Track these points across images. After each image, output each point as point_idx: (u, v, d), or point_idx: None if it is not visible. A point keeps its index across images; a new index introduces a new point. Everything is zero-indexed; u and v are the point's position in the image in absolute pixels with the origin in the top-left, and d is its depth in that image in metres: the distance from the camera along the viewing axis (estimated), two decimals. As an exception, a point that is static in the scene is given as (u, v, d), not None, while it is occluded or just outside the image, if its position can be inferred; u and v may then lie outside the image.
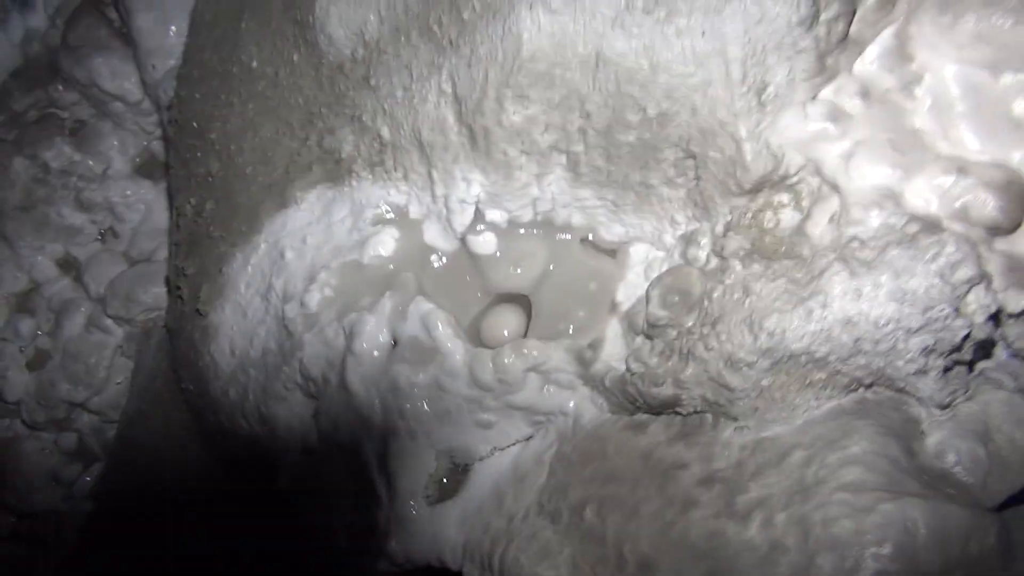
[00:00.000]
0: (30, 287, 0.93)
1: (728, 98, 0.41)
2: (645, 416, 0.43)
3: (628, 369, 0.42)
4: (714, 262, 0.45)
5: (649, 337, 0.45)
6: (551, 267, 0.53)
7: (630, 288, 0.51)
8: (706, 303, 0.41)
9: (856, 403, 0.37)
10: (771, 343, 0.37)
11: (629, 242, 0.52)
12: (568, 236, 0.53)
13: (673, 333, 0.43)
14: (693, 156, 0.44)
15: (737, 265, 0.40)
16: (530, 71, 0.44)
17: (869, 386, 0.37)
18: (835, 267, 0.37)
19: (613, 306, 0.52)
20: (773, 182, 0.43)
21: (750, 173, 0.42)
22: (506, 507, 0.47)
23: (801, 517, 0.33)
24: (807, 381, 0.38)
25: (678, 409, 0.41)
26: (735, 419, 0.39)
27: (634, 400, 0.42)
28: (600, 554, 0.39)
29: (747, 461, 0.38)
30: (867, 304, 0.36)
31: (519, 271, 0.53)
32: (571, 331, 0.52)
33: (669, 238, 0.49)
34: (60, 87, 0.90)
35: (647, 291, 0.44)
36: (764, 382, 0.38)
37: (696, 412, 0.41)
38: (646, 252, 0.51)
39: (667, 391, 0.40)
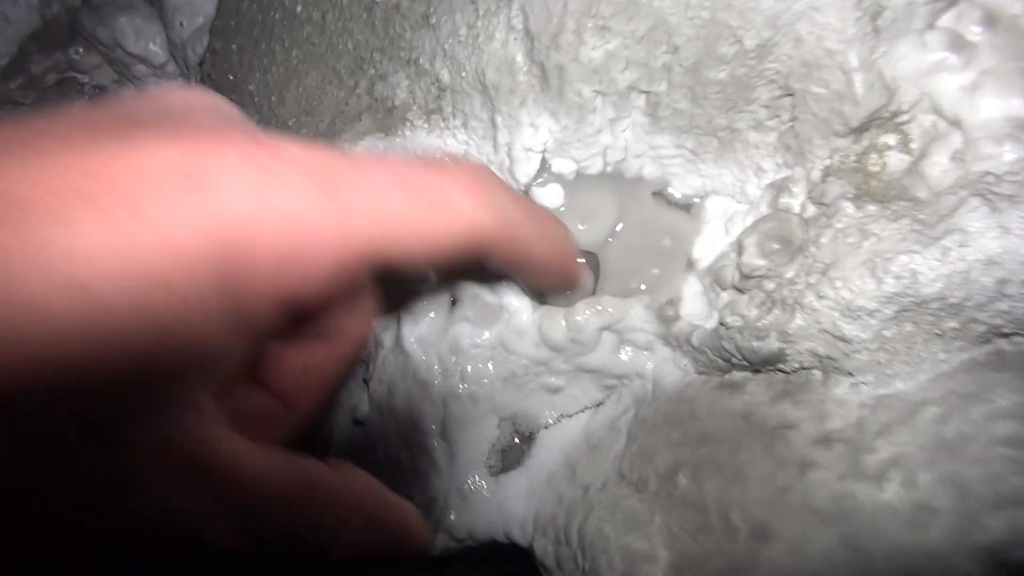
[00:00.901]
0: (47, 259, 0.90)
1: (840, 24, 0.37)
2: (740, 375, 0.39)
3: (723, 324, 0.39)
4: (811, 210, 0.41)
5: (741, 290, 0.41)
6: (621, 222, 0.49)
7: (708, 243, 0.48)
8: (813, 249, 0.37)
9: (992, 355, 0.34)
10: (898, 287, 0.34)
11: (706, 195, 0.48)
12: (639, 189, 0.49)
13: (771, 285, 0.39)
14: (791, 93, 0.41)
15: (849, 207, 0.37)
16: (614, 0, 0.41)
17: (1007, 335, 0.34)
18: (971, 202, 0.34)
19: (690, 263, 0.48)
20: (882, 120, 0.39)
21: (860, 108, 0.38)
22: (580, 477, 0.43)
23: (952, 475, 0.29)
24: (936, 331, 0.34)
25: (780, 366, 0.38)
26: (850, 375, 0.36)
27: (729, 358, 0.39)
28: (701, 522, 0.35)
29: (869, 419, 0.34)
30: (1017, 241, 0.32)
31: (586, 226, 0.49)
32: (643, 289, 0.48)
33: (753, 188, 0.46)
34: (81, 49, 0.86)
35: (740, 240, 0.40)
36: (887, 332, 0.34)
37: (802, 368, 0.37)
38: (725, 205, 0.48)
39: (771, 345, 0.36)
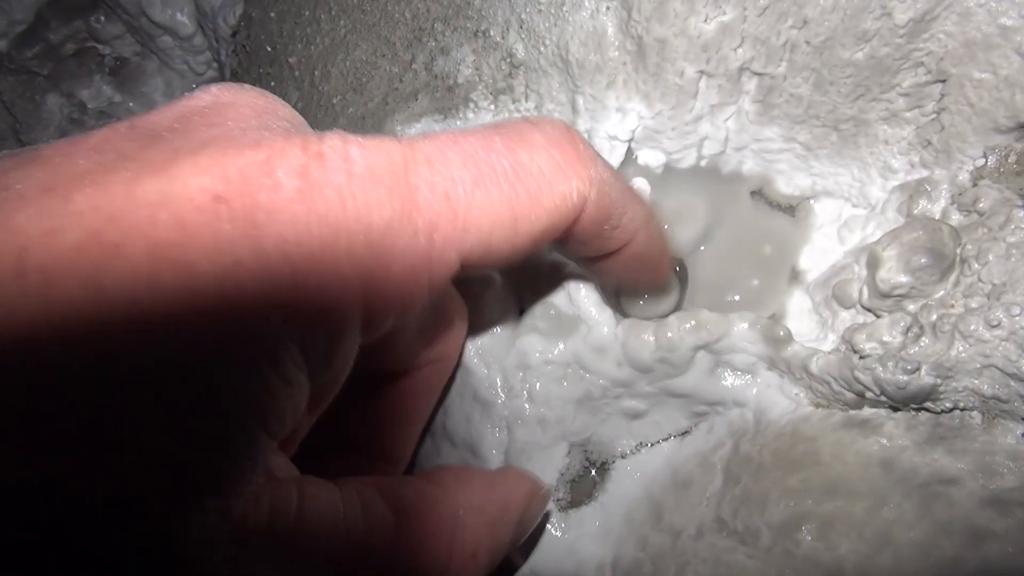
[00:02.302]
0: (60, 241, 0.84)
1: (1021, -5, 0.31)
2: (871, 412, 0.33)
3: (855, 351, 0.32)
4: (956, 218, 0.35)
5: (871, 311, 0.35)
6: (714, 225, 0.43)
7: (818, 253, 0.42)
8: (976, 266, 0.31)
9: None
10: (1103, 319, 0.27)
11: (816, 196, 0.42)
12: (737, 187, 0.43)
13: (914, 306, 0.33)
14: (943, 79, 0.34)
15: (1021, 215, 0.30)
16: (737, -39, 0.34)
17: None
18: None
19: (795, 274, 0.42)
20: (1058, 114, 0.33)
21: (1036, 99, 0.32)
22: (667, 519, 0.37)
23: None
24: None
25: (928, 404, 0.32)
26: (1023, 420, 0.29)
27: (862, 391, 0.32)
28: (836, 593, 0.29)
29: (1054, 479, 0.28)
30: None
31: (674, 228, 0.43)
32: (738, 302, 0.42)
33: (877, 191, 0.39)
34: (102, 18, 0.80)
35: (875, 252, 0.34)
36: (1080, 373, 0.28)
37: (957, 409, 0.31)
38: (839, 209, 0.42)
39: (922, 380, 0.30)
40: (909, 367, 0.31)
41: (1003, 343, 0.29)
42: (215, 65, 0.80)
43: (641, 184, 0.43)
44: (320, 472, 0.22)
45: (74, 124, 0.81)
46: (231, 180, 0.18)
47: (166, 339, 0.16)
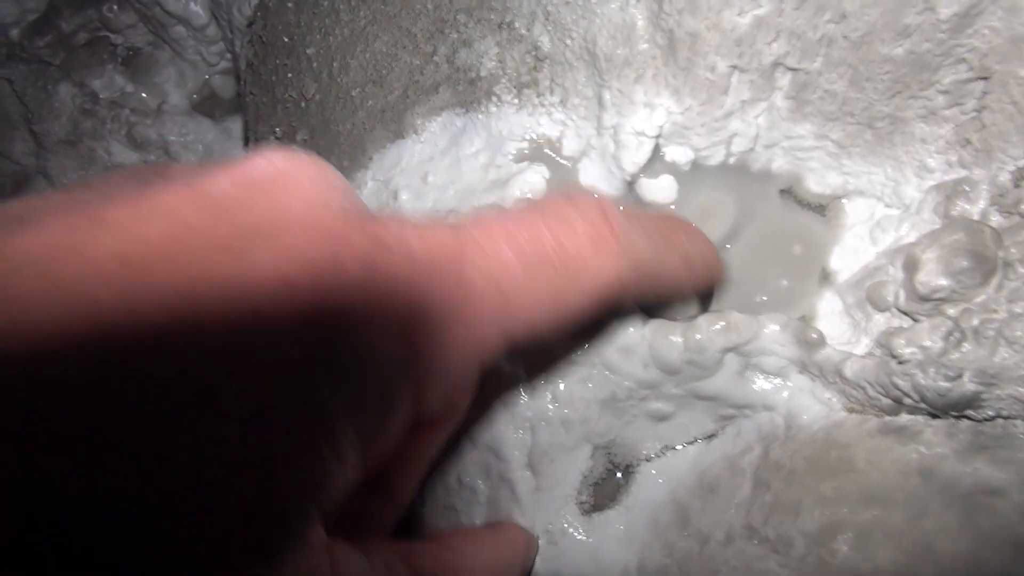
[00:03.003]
0: (71, 232, 0.84)
1: (1074, -11, 0.30)
2: (908, 419, 0.33)
3: (893, 355, 0.31)
4: (996, 220, 0.34)
5: (908, 315, 0.34)
6: (742, 224, 0.42)
7: (849, 253, 0.41)
8: (1021, 269, 0.30)
9: None
10: None
11: (847, 195, 0.41)
12: (766, 185, 0.42)
13: (954, 310, 0.32)
14: (986, 76, 0.33)
15: (1072, 220, 0.29)
16: (776, -48, 0.33)
17: None
18: None
19: (825, 274, 0.41)
20: (1106, 113, 0.32)
21: (1085, 98, 0.31)
22: (694, 524, 0.37)
23: None
24: None
25: (969, 412, 0.31)
26: (1069, 430, 0.29)
27: (900, 397, 0.32)
28: (875, 604, 0.28)
29: (1102, 491, 0.27)
30: None
31: (702, 226, 0.42)
32: (766, 302, 0.41)
33: (911, 191, 0.39)
34: (115, 7, 0.80)
35: (913, 254, 0.33)
36: None
37: (1000, 417, 0.30)
38: (871, 208, 0.41)
39: (964, 387, 0.29)
40: (951, 373, 0.30)
41: (1051, 350, 0.28)
42: (228, 56, 0.80)
43: (668, 182, 0.42)
44: None
45: (86, 114, 0.80)
46: (301, 267, 0.18)
47: (236, 420, 0.17)
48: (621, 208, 0.28)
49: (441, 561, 0.27)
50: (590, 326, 0.38)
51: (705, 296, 0.38)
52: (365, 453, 0.20)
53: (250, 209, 0.19)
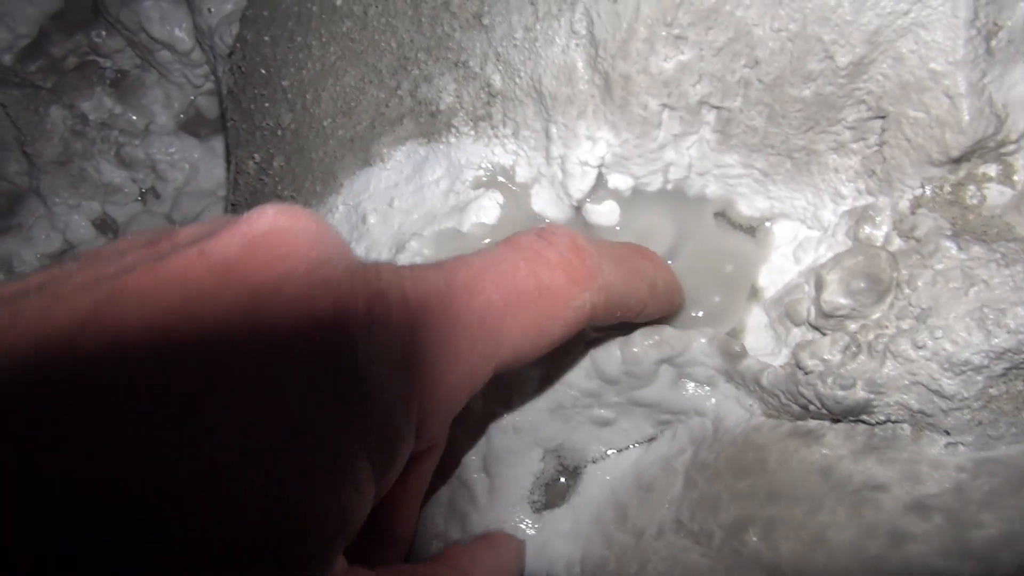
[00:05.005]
0: (64, 248, 0.87)
1: (948, 43, 0.34)
2: (816, 423, 0.36)
3: (801, 367, 0.35)
4: (897, 243, 0.38)
5: (818, 329, 0.38)
6: (679, 244, 0.46)
7: (775, 271, 0.44)
8: (907, 291, 0.34)
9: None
10: (1012, 342, 0.30)
11: (773, 218, 0.45)
12: (701, 209, 0.46)
13: (854, 326, 0.36)
14: (883, 116, 0.37)
15: (951, 247, 0.33)
16: (694, 6, 0.37)
17: None
18: (1098, 250, 0.30)
19: (754, 291, 0.45)
20: (986, 150, 0.36)
21: (963, 137, 0.35)
22: (632, 520, 0.40)
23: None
24: (1051, 391, 0.31)
25: (864, 417, 0.34)
26: (946, 433, 0.32)
27: (806, 405, 0.35)
28: (776, 588, 0.32)
29: (970, 486, 0.31)
30: None
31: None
32: (702, 317, 0.45)
33: (828, 215, 0.42)
34: (103, 32, 0.83)
35: (819, 275, 0.37)
36: (993, 390, 0.31)
37: (890, 421, 0.34)
38: (795, 230, 0.44)
39: (857, 395, 0.33)
40: (846, 383, 0.34)
41: (927, 362, 0.32)
42: (212, 79, 0.83)
43: (611, 207, 0.46)
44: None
45: (76, 135, 0.84)
46: (310, 321, 0.20)
47: (262, 472, 0.18)
48: (590, 241, 0.31)
49: None
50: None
51: (667, 320, 0.42)
52: (379, 483, 0.22)
53: (257, 269, 0.20)
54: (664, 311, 0.40)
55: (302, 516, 0.19)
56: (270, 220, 0.22)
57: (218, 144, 0.85)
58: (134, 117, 0.85)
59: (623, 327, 0.43)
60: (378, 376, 0.21)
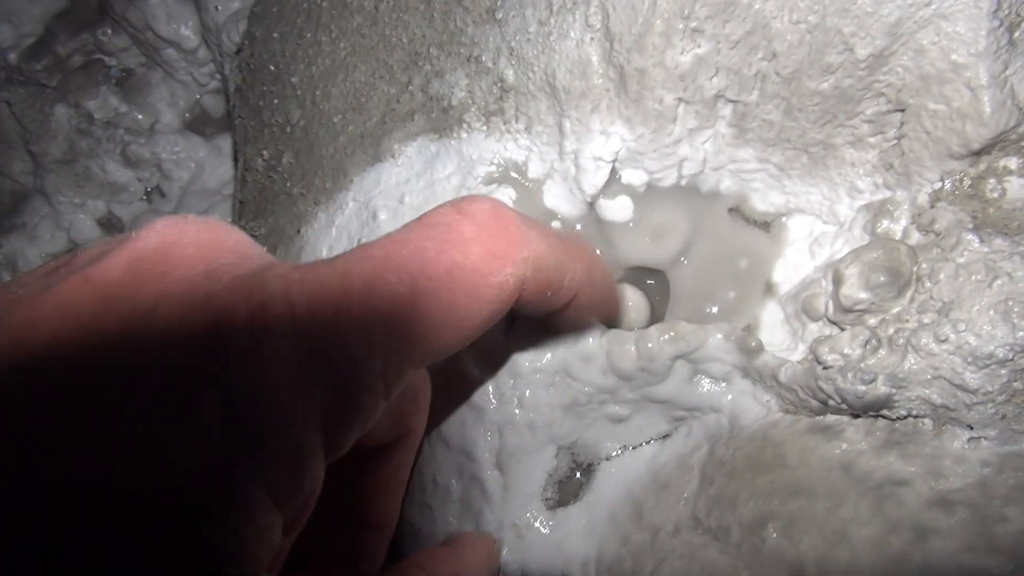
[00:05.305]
0: (69, 247, 0.87)
1: (971, 35, 0.33)
2: (834, 419, 0.36)
3: (820, 362, 0.35)
4: (916, 237, 0.37)
5: (837, 324, 0.37)
6: (693, 240, 0.46)
7: (790, 266, 0.44)
8: (928, 284, 0.34)
9: None
10: (1037, 336, 0.30)
11: (788, 213, 0.45)
12: (715, 204, 0.46)
13: (874, 320, 0.35)
14: (902, 108, 0.37)
15: (973, 240, 0.33)
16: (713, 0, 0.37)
17: None
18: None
19: (769, 287, 0.44)
20: (1007, 142, 0.35)
21: (985, 129, 0.34)
22: (647, 517, 0.40)
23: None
24: (1077, 385, 0.31)
25: (885, 412, 0.34)
26: (969, 428, 0.32)
27: (825, 400, 0.35)
28: (798, 585, 0.32)
29: (994, 481, 0.30)
30: None
31: (656, 243, 0.45)
32: (716, 313, 0.45)
33: (845, 209, 0.42)
34: (109, 31, 0.83)
35: (838, 269, 0.37)
36: (1018, 384, 0.31)
37: (911, 416, 0.34)
38: (810, 225, 0.44)
39: (878, 390, 0.33)
40: (867, 378, 0.33)
41: (950, 356, 0.32)
42: (218, 77, 0.83)
43: (625, 202, 0.45)
44: (320, 546, 0.24)
45: (82, 134, 0.83)
46: (184, 345, 0.19)
47: (144, 507, 0.17)
48: (517, 211, 0.27)
49: None
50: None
51: (608, 327, 0.41)
52: (285, 508, 0.20)
53: (135, 291, 0.19)
54: (601, 306, 0.37)
55: (196, 558, 0.17)
56: (157, 235, 0.21)
57: (224, 143, 0.85)
58: (139, 116, 0.85)
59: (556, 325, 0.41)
60: (263, 394, 0.19)
